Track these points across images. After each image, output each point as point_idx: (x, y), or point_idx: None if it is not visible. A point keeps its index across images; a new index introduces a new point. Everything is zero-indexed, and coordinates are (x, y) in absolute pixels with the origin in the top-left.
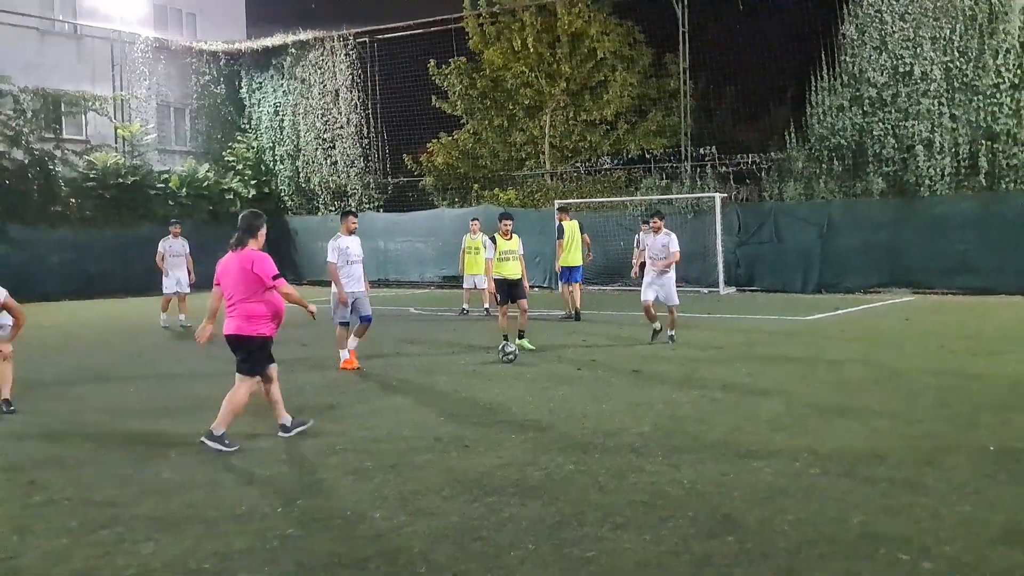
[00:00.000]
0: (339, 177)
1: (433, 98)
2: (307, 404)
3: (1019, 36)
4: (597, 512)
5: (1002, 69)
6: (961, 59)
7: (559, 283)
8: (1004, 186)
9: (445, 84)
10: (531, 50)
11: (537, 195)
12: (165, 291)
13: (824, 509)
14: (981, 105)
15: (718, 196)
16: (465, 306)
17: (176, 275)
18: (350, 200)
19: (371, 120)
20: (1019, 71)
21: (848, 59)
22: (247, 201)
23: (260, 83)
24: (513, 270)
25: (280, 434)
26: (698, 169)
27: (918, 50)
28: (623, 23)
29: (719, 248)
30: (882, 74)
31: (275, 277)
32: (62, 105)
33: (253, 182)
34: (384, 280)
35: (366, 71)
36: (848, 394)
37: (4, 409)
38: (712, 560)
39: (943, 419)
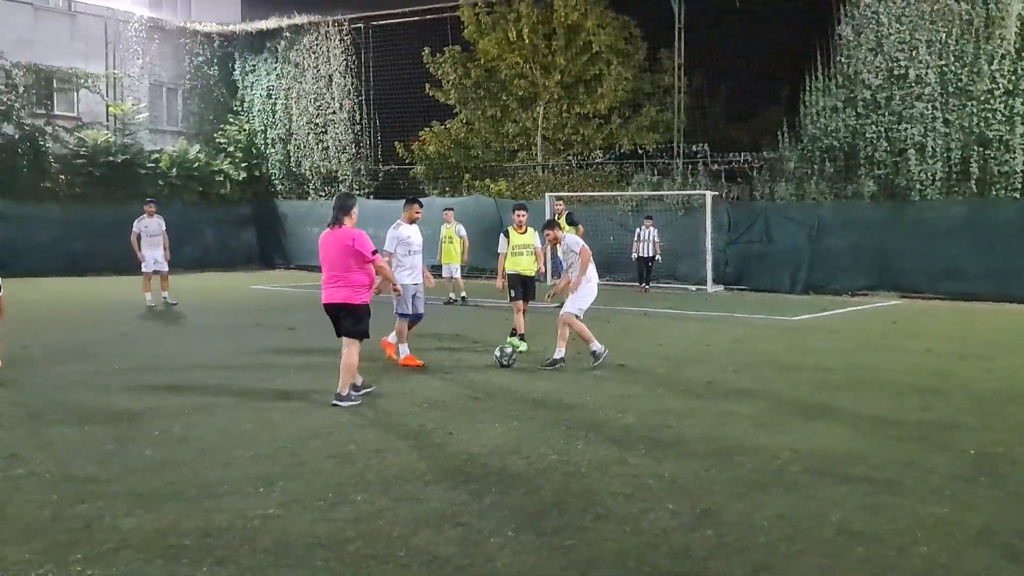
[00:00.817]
0: (330, 162)
1: (427, 86)
2: (292, 388)
3: (1015, 42)
4: (578, 502)
5: (997, 75)
6: (956, 64)
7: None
8: (995, 193)
9: (439, 73)
10: (526, 41)
11: (528, 187)
12: (144, 270)
13: (803, 506)
14: (975, 111)
15: (709, 194)
16: (451, 295)
17: (153, 254)
18: (340, 186)
19: (364, 106)
20: (1014, 77)
21: (843, 60)
22: (237, 183)
23: (254, 66)
24: (528, 265)
25: (334, 403)
26: (690, 166)
27: (913, 53)
28: (619, 17)
29: (708, 246)
30: (877, 76)
31: (373, 252)
32: (54, 82)
33: (244, 165)
34: None
35: (360, 57)
36: (832, 394)
37: None
38: (691, 552)
39: (925, 422)
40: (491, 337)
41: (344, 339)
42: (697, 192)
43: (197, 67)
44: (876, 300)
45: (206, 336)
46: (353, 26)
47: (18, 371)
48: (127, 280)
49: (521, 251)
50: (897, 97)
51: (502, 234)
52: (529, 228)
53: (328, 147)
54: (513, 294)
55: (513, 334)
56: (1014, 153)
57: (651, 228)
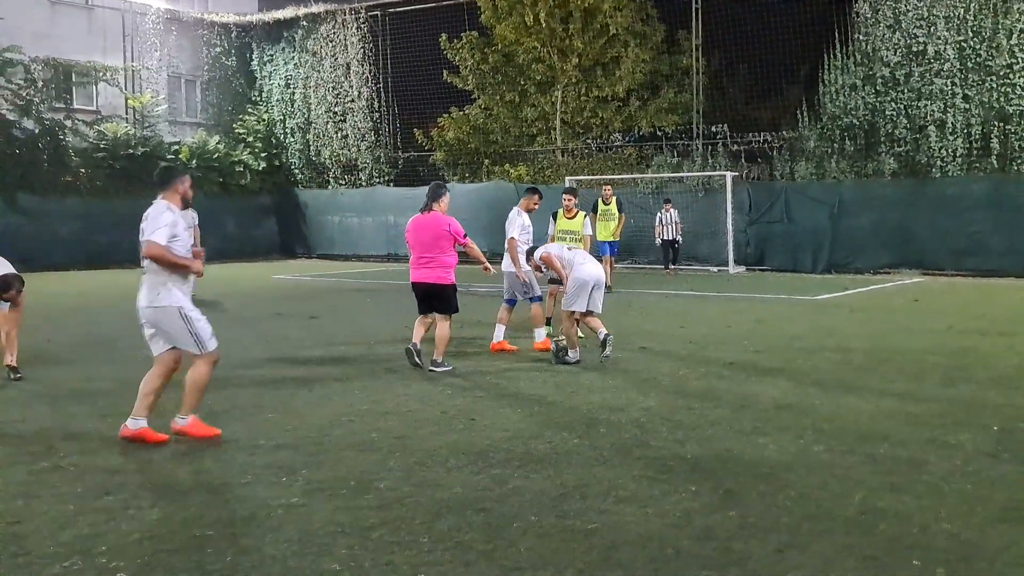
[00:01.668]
0: (349, 151)
1: (444, 72)
2: (314, 376)
3: None
4: (600, 485)
5: (1016, 50)
6: (975, 39)
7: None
8: (1016, 168)
9: (457, 59)
10: (543, 25)
11: (548, 171)
12: None
13: (826, 485)
14: (994, 86)
15: (729, 175)
16: None
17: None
18: (360, 174)
19: (382, 94)
20: None
21: (861, 38)
22: (257, 173)
23: (271, 56)
24: None
25: (431, 368)
26: (709, 147)
27: (932, 29)
28: None
29: (729, 227)
30: (895, 53)
31: (464, 236)
32: (73, 75)
33: (263, 155)
34: (393, 255)
35: (378, 45)
36: (854, 373)
37: (11, 376)
38: (714, 534)
39: (948, 399)
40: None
41: (436, 315)
42: (717, 173)
43: (215, 58)
44: (898, 278)
45: (228, 326)
46: (370, 14)
47: (41, 364)
48: None
49: (565, 236)
50: (916, 74)
51: (551, 216)
52: (579, 213)
53: (347, 135)
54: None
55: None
56: None
57: (671, 211)
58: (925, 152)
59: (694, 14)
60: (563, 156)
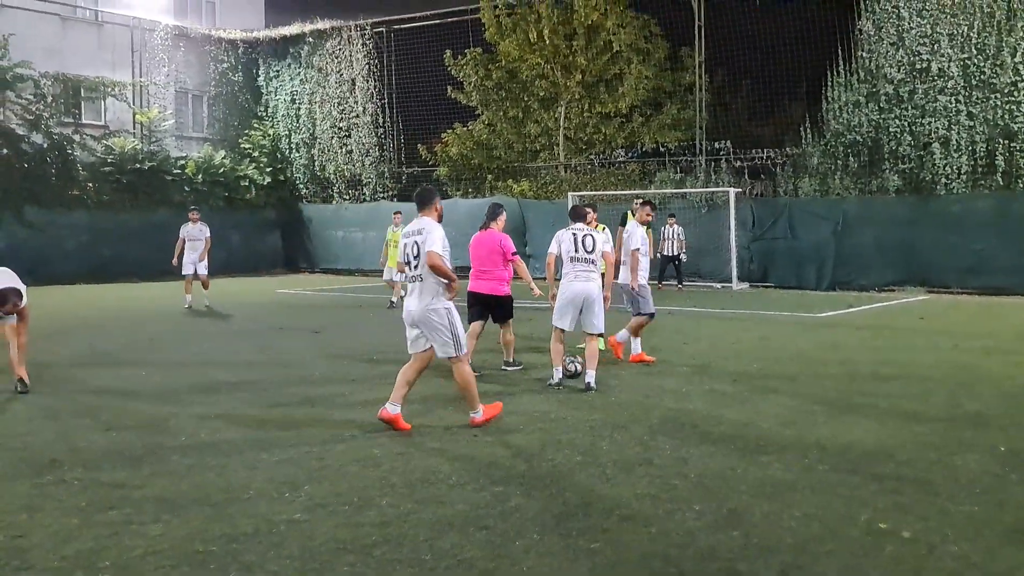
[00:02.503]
0: (354, 166)
1: (449, 88)
2: (316, 393)
3: None
4: (604, 504)
5: (1020, 67)
6: (979, 56)
7: None
8: (1021, 185)
9: (461, 75)
10: (547, 42)
11: (551, 187)
12: (184, 273)
13: (831, 505)
14: (999, 103)
15: (732, 191)
16: (393, 299)
17: (192, 257)
18: (364, 189)
19: (387, 110)
20: None
21: (865, 55)
22: (262, 188)
23: (277, 71)
24: None
25: (504, 368)
26: (712, 163)
27: (935, 47)
28: (640, 16)
29: (733, 243)
30: (899, 70)
31: (513, 254)
32: (81, 90)
33: (268, 169)
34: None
35: (383, 61)
36: (859, 391)
37: (18, 389)
38: (717, 554)
39: (954, 418)
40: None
41: (499, 324)
42: (720, 189)
43: (222, 74)
44: (903, 296)
45: (231, 340)
46: (375, 30)
47: (47, 377)
48: (154, 286)
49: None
50: (920, 91)
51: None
52: (600, 226)
53: (352, 151)
54: None
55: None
56: None
57: (675, 226)
58: (929, 169)
59: (697, 31)
60: (566, 172)
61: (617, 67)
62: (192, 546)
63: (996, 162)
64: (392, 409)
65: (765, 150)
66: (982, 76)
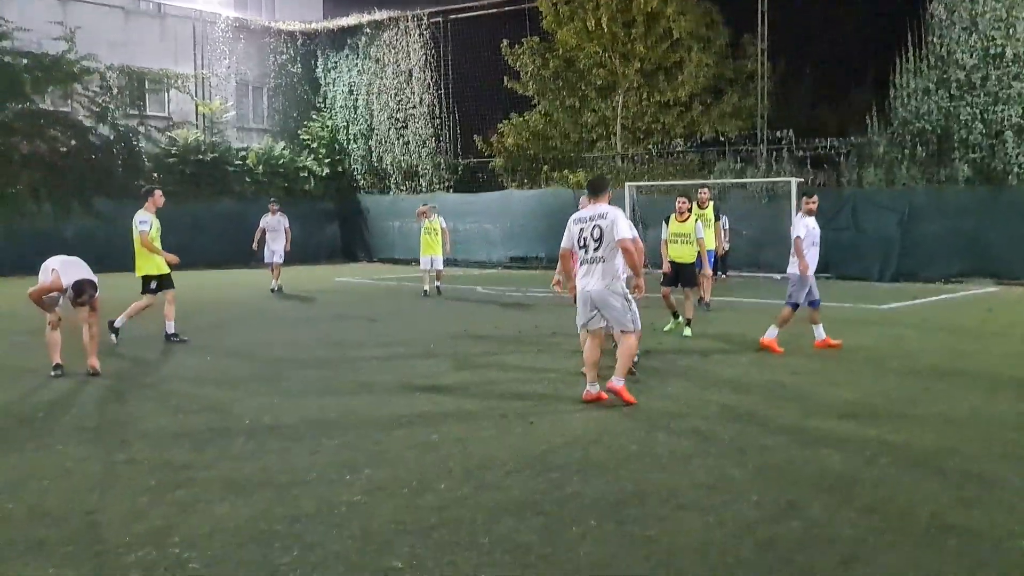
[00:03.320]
0: (411, 157)
1: (505, 79)
2: (374, 379)
3: None
4: (660, 492)
5: None
6: None
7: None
8: None
9: (517, 64)
10: (605, 30)
11: (607, 177)
12: (265, 260)
13: (893, 499)
14: None
15: (794, 181)
16: (426, 288)
17: (272, 247)
18: (421, 180)
19: (443, 100)
20: None
21: (935, 40)
22: (321, 179)
23: (335, 63)
24: (682, 253)
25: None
26: (774, 153)
27: (1011, 31)
28: (701, 3)
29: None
30: (971, 56)
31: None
32: (146, 83)
33: (327, 160)
34: (452, 260)
35: (439, 51)
36: (923, 385)
37: (90, 372)
38: (775, 544)
39: (1022, 414)
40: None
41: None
42: (782, 179)
43: (281, 65)
44: (970, 288)
45: (292, 327)
46: (432, 20)
47: (113, 362)
48: (217, 274)
49: (676, 239)
50: (993, 77)
51: (663, 221)
52: (692, 216)
53: (409, 141)
54: (664, 280)
55: (688, 323)
56: None
57: (722, 216)
58: (1001, 158)
59: (760, 17)
60: (623, 162)
61: (677, 55)
62: (257, 526)
63: None
64: (593, 389)
65: (829, 139)
66: None
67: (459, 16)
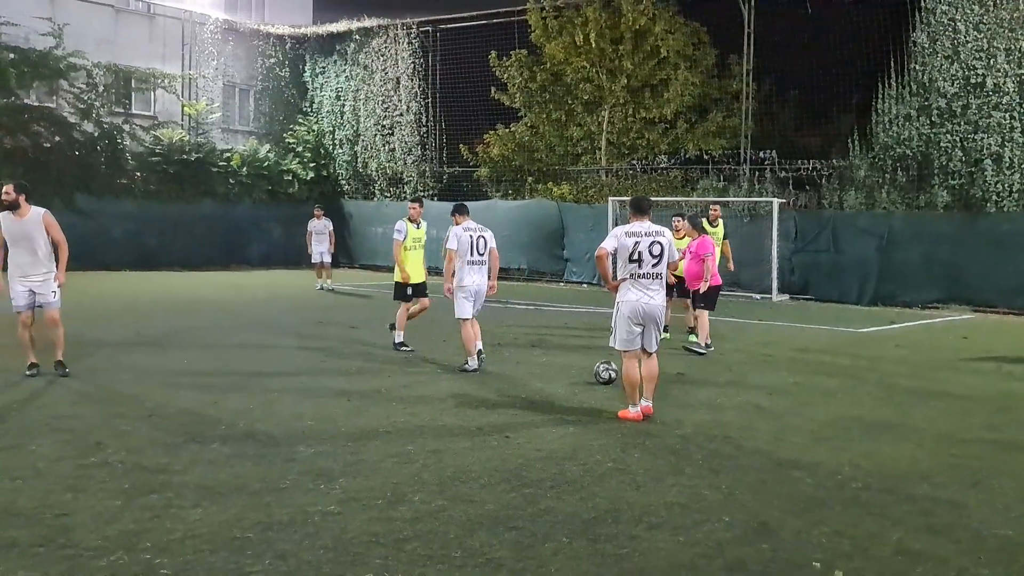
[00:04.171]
0: (396, 164)
1: (492, 89)
2: (352, 386)
3: None
4: (633, 510)
5: None
6: None
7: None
8: None
9: (505, 76)
10: (593, 45)
11: (591, 191)
12: (312, 261)
13: (862, 523)
14: None
15: (776, 201)
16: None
17: (319, 249)
18: (405, 187)
19: (430, 109)
20: None
21: (918, 67)
22: (305, 183)
23: (324, 68)
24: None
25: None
26: (757, 173)
27: (991, 61)
28: (689, 23)
29: (774, 254)
30: (952, 84)
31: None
32: (132, 81)
33: (312, 165)
34: (435, 267)
35: (428, 60)
36: (896, 410)
37: (59, 372)
38: (745, 566)
39: (992, 442)
40: (549, 342)
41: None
42: (764, 199)
43: (269, 68)
44: (947, 314)
45: (271, 332)
46: (421, 29)
47: (92, 362)
48: (197, 275)
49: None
50: (973, 106)
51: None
52: (684, 236)
53: (394, 148)
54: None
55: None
56: None
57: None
58: (980, 186)
59: (746, 39)
60: (607, 176)
61: (664, 72)
62: (230, 532)
63: None
64: (641, 406)
65: (811, 161)
66: None
67: (448, 26)
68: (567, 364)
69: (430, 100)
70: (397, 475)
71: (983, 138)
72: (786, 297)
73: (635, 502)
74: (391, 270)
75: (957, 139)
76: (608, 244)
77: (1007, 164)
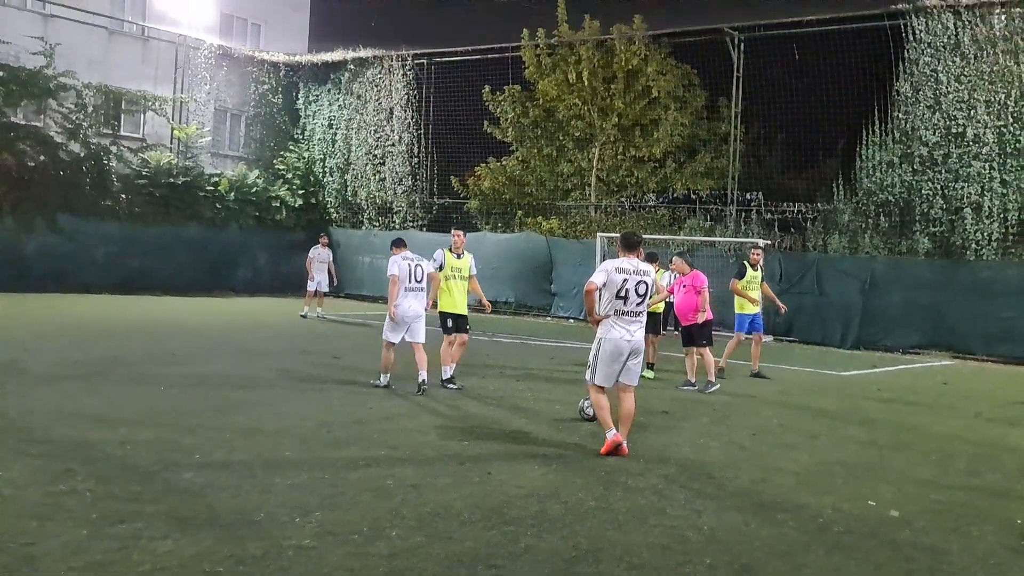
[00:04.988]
0: (386, 193)
1: (485, 123)
2: (333, 417)
3: None
4: (614, 550)
5: None
6: (1015, 125)
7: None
8: None
9: (498, 110)
10: (586, 84)
11: (580, 226)
12: (309, 289)
13: (844, 567)
14: None
15: (761, 242)
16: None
17: (319, 277)
18: (395, 216)
19: (422, 140)
20: None
21: (901, 116)
22: (293, 210)
23: (317, 96)
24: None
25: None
26: (743, 214)
27: (972, 112)
28: (680, 65)
29: (759, 295)
30: (934, 133)
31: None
32: (122, 103)
33: (301, 192)
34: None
35: (421, 92)
36: (878, 454)
37: None
38: None
39: (973, 488)
40: (534, 375)
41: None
42: (749, 240)
43: (262, 95)
44: (928, 359)
45: (252, 360)
46: (416, 61)
47: (66, 386)
48: (178, 300)
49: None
50: (954, 155)
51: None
52: (660, 270)
53: (385, 178)
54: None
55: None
56: None
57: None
58: (960, 234)
59: (735, 82)
60: (596, 212)
61: (654, 113)
62: (200, 566)
63: None
64: (612, 434)
65: (796, 204)
66: (1017, 144)
67: (443, 59)
68: (552, 399)
69: (422, 131)
70: (375, 509)
71: (963, 187)
72: (770, 338)
73: (617, 542)
74: (375, 301)
75: (938, 187)
76: (598, 279)
77: (986, 213)
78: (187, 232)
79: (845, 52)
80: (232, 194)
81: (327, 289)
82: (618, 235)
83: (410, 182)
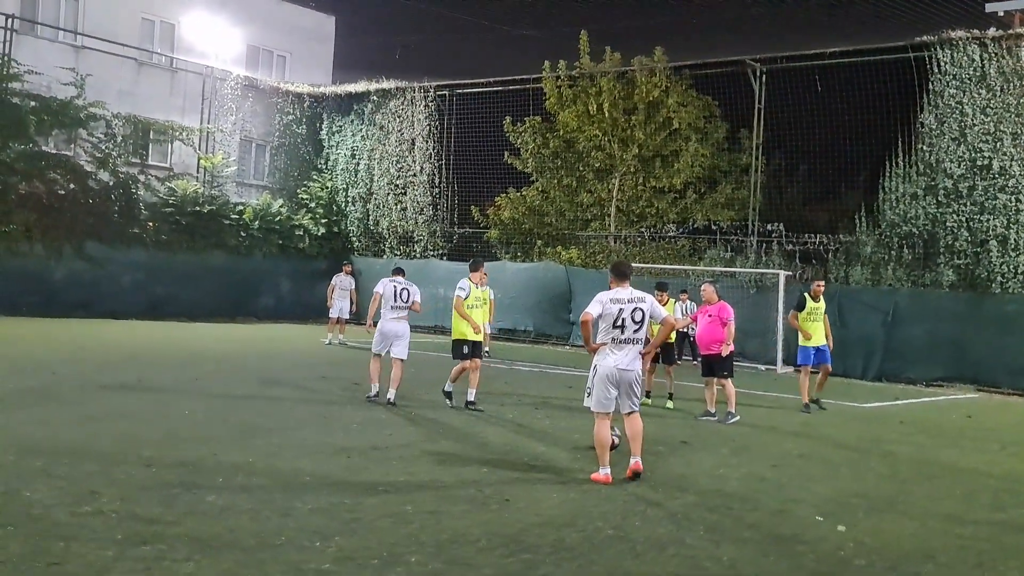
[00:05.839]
0: (407, 223)
1: (506, 154)
2: (352, 443)
3: None
4: None
5: None
6: None
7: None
8: None
9: (519, 141)
10: (606, 115)
11: (599, 256)
12: (331, 315)
13: None
14: None
15: (782, 273)
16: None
17: (340, 304)
18: (415, 246)
19: (443, 170)
20: None
21: (925, 148)
22: (316, 238)
23: (340, 126)
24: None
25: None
26: (764, 245)
27: (998, 144)
28: (701, 97)
29: (780, 326)
30: (959, 166)
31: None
32: (151, 133)
33: (324, 221)
34: (441, 327)
35: (443, 122)
36: (900, 487)
37: None
38: None
39: (998, 523)
40: (552, 402)
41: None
42: (770, 271)
43: (286, 125)
44: (951, 392)
45: (274, 386)
46: (438, 92)
47: (92, 408)
48: (201, 327)
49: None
50: (980, 188)
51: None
52: (671, 300)
53: (406, 208)
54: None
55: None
56: None
57: (687, 302)
58: (985, 267)
59: (757, 114)
60: (615, 243)
61: (675, 144)
62: None
63: None
64: (605, 472)
65: (818, 235)
66: None
67: (465, 91)
68: (570, 427)
69: (443, 161)
70: (394, 535)
71: (989, 219)
72: (791, 369)
73: (634, 571)
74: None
75: (963, 219)
76: (593, 310)
77: (1012, 246)
78: (212, 260)
79: (868, 84)
80: (256, 223)
81: (348, 315)
82: (637, 265)
83: (431, 211)
